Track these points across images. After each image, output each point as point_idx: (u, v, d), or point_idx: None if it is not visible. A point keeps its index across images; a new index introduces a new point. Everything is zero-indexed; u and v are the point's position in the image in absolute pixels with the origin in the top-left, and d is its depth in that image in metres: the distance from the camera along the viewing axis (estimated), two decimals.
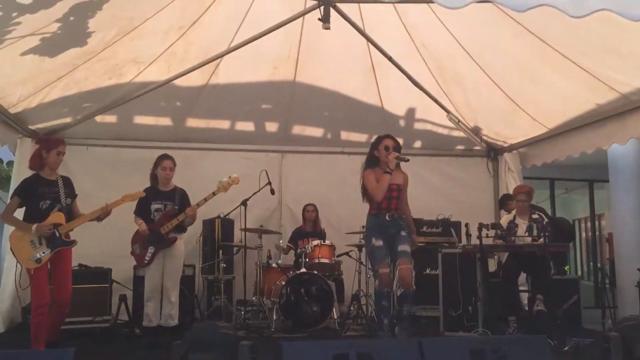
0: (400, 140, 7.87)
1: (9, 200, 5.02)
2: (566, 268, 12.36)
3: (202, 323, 3.62)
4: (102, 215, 5.01)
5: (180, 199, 5.79)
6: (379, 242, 5.12)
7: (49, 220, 4.73)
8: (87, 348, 4.99)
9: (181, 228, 5.77)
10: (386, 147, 5.26)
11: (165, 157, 5.83)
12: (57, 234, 4.74)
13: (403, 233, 5.20)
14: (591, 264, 12.79)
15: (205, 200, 5.75)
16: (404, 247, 5.12)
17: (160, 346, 5.09)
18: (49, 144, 4.96)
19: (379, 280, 5.05)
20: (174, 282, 5.68)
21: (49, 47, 5.20)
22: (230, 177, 5.90)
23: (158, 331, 5.48)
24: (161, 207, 5.73)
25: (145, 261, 5.60)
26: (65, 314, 4.90)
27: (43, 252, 4.65)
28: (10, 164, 8.87)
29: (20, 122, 6.51)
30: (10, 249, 4.75)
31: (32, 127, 6.86)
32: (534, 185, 11.92)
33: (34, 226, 4.62)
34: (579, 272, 13.69)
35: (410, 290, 5.08)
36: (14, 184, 6.73)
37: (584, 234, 14.11)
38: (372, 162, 5.36)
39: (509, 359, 3.09)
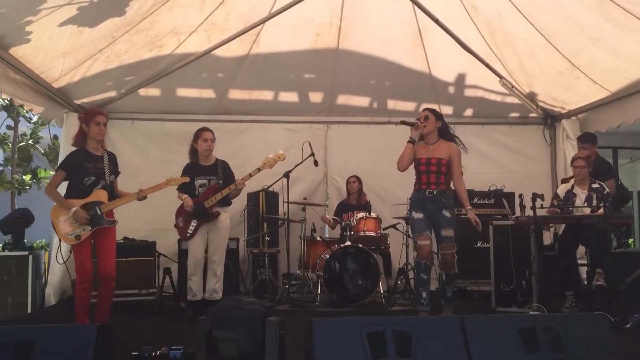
0: (450, 109, 7.81)
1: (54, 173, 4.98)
2: (630, 241, 11.82)
3: (228, 298, 3.50)
4: (139, 199, 4.89)
5: (223, 172, 5.68)
6: (418, 215, 5.00)
7: (91, 197, 4.67)
8: (128, 321, 4.97)
9: (225, 201, 5.67)
10: (421, 117, 5.14)
11: (204, 129, 5.70)
12: (99, 212, 4.66)
13: (446, 213, 4.97)
14: None
15: (250, 175, 5.62)
16: (447, 232, 4.95)
17: None
18: (86, 116, 4.84)
19: (417, 253, 4.96)
20: (220, 256, 5.59)
21: (87, 17, 5.14)
22: (277, 153, 5.71)
23: (202, 305, 5.41)
24: (205, 182, 5.62)
25: (188, 234, 5.54)
26: (111, 290, 4.81)
27: (83, 230, 4.59)
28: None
29: (65, 96, 6.53)
30: (52, 223, 4.71)
31: (78, 102, 6.89)
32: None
33: (73, 209, 4.55)
34: None
35: (452, 272, 5.03)
36: (62, 159, 6.85)
37: None
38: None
39: (563, 338, 2.84)
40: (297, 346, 3.10)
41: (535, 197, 5.25)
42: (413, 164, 5.11)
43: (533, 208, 5.28)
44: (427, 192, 5.00)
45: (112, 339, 4.30)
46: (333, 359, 2.69)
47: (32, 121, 9.53)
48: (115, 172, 4.94)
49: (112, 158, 4.93)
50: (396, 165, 5.17)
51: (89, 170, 4.71)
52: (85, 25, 5.24)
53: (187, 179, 5.36)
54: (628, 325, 4.82)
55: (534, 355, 2.79)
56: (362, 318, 2.93)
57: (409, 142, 5.05)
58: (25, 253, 5.99)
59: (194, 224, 5.54)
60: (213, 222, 5.56)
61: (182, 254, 6.21)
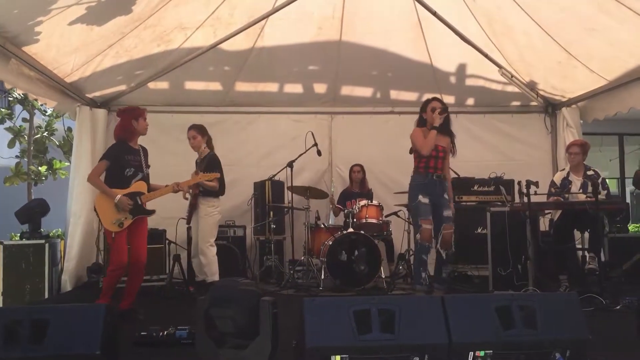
0: (452, 98, 7.96)
1: (97, 163, 5.11)
2: (638, 226, 11.89)
3: (224, 280, 3.72)
4: (174, 191, 5.20)
5: (206, 165, 5.89)
6: (425, 200, 5.25)
7: (132, 188, 4.90)
8: (139, 305, 5.21)
9: (208, 192, 5.91)
10: (433, 108, 5.35)
11: (189, 128, 6.10)
12: (139, 202, 4.90)
13: (446, 196, 5.36)
14: None
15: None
16: (449, 213, 5.33)
17: None
18: (137, 112, 5.06)
19: (420, 235, 5.21)
20: (202, 242, 5.89)
21: (96, 15, 5.36)
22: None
23: (207, 286, 5.67)
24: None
25: (185, 220, 6.04)
26: (141, 276, 5.10)
27: (125, 218, 4.80)
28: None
29: (77, 90, 6.78)
30: (95, 210, 4.93)
31: (90, 96, 7.15)
32: (602, 141, 11.47)
33: (118, 197, 4.76)
34: None
35: (451, 251, 5.34)
36: (75, 151, 7.12)
37: None
38: (422, 123, 5.50)
39: (537, 316, 3.03)
40: (292, 325, 3.33)
41: (529, 184, 5.41)
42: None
43: (527, 195, 5.44)
44: (434, 176, 5.30)
45: (136, 321, 4.65)
46: (322, 334, 2.91)
47: (46, 114, 9.81)
48: (148, 164, 5.17)
49: (146, 152, 5.18)
50: (417, 150, 5.37)
51: (130, 163, 4.94)
52: (94, 24, 5.46)
53: (217, 175, 5.66)
54: (618, 307, 5.00)
55: (510, 332, 2.99)
56: (350, 298, 3.13)
57: (433, 129, 5.29)
58: (42, 241, 6.23)
59: (189, 212, 6.00)
60: (197, 211, 5.96)
61: (191, 242, 6.45)
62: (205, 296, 3.06)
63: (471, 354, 3.00)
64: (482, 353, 3.01)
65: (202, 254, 5.85)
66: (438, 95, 7.75)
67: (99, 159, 5.04)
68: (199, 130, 6.05)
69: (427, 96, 7.75)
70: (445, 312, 3.01)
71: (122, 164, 4.90)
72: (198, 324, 3.04)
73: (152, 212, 5.04)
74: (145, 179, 5.03)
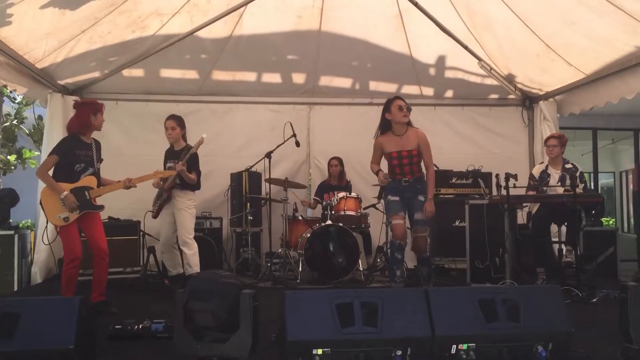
0: (431, 90, 7.94)
1: (46, 157, 4.99)
2: (610, 220, 12.08)
3: (204, 272, 3.62)
4: (126, 187, 5.01)
5: (184, 156, 5.77)
6: (394, 198, 5.17)
7: (81, 182, 4.78)
8: (113, 298, 5.10)
9: (186, 185, 5.77)
10: (399, 107, 5.10)
11: (167, 118, 5.92)
12: (88, 197, 4.77)
13: (420, 198, 5.15)
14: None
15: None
16: (420, 216, 5.11)
17: None
18: (96, 107, 4.93)
19: (392, 232, 5.13)
20: (183, 234, 5.74)
21: None
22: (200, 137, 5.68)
23: (184, 279, 5.56)
24: (172, 166, 5.73)
25: (152, 213, 5.89)
26: (106, 266, 4.93)
27: (71, 212, 4.70)
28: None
29: (48, 77, 6.57)
30: (40, 203, 4.82)
31: (62, 82, 6.94)
32: (575, 135, 11.57)
33: (63, 194, 4.65)
34: (625, 225, 13.30)
35: (425, 255, 5.17)
36: (46, 139, 6.91)
37: (630, 186, 13.63)
38: (385, 126, 5.24)
39: (521, 308, 3.01)
40: (269, 317, 3.27)
41: (508, 176, 5.40)
42: (384, 156, 5.26)
43: (506, 187, 5.44)
44: (402, 182, 5.16)
45: (109, 314, 4.57)
46: (304, 328, 2.85)
47: (16, 101, 9.53)
48: (100, 159, 5.04)
49: (99, 146, 5.04)
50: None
51: (80, 158, 4.82)
52: (66, 8, 5.28)
53: (173, 173, 5.49)
54: (594, 300, 5.05)
55: (493, 325, 2.97)
56: (332, 291, 3.07)
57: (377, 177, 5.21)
58: (11, 232, 6.06)
59: (157, 204, 5.84)
60: (173, 203, 5.78)
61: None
62: (185, 289, 2.97)
63: (454, 347, 2.97)
64: (465, 346, 2.98)
65: (185, 245, 5.69)
66: (417, 87, 7.83)
67: (49, 153, 4.91)
68: (179, 121, 5.88)
69: (406, 88, 7.86)
70: (429, 305, 2.97)
71: (72, 159, 4.78)
72: (177, 317, 2.96)
73: (100, 207, 4.91)
74: (96, 174, 4.92)
